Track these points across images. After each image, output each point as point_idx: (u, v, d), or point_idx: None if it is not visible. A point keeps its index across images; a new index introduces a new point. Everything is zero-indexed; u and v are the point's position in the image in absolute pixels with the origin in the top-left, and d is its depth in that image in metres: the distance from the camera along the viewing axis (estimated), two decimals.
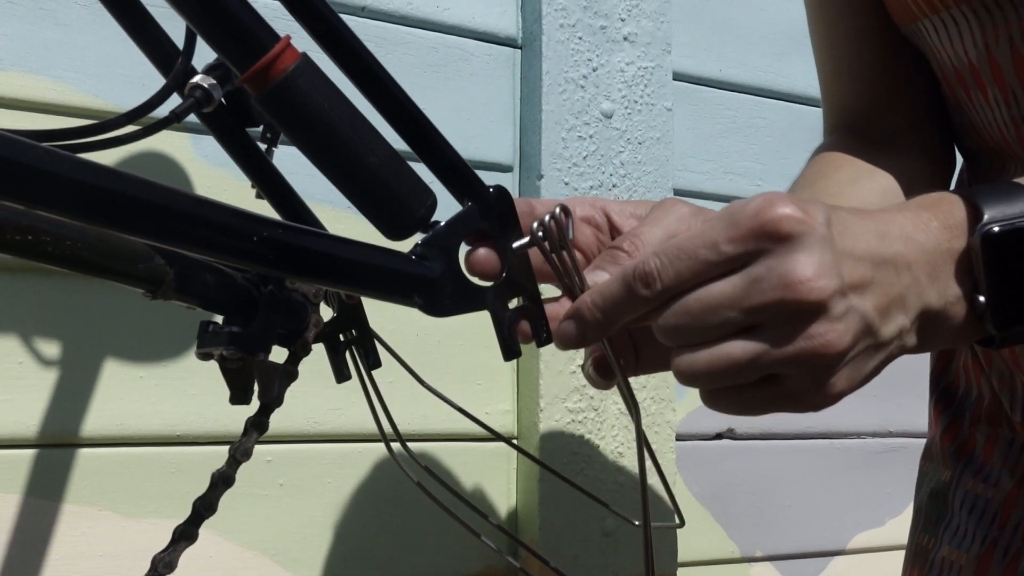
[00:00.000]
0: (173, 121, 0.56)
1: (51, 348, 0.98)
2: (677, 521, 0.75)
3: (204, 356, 0.61)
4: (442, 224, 0.57)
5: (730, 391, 0.55)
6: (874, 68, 0.87)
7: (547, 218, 0.56)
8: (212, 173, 1.05)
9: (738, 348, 0.52)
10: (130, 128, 0.57)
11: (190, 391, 1.03)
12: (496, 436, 0.71)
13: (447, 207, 0.59)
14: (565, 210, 0.57)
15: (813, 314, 0.51)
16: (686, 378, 0.54)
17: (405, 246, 0.57)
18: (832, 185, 0.81)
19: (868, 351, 0.54)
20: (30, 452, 0.96)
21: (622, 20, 1.26)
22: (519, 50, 1.24)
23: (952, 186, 0.90)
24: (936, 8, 0.76)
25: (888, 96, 0.87)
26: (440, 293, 0.56)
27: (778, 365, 0.52)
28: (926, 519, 0.91)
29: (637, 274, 0.53)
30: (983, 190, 0.58)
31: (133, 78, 1.02)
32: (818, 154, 0.87)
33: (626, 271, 0.54)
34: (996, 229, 0.55)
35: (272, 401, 0.63)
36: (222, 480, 0.64)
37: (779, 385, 0.54)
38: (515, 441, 1.19)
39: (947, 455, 0.90)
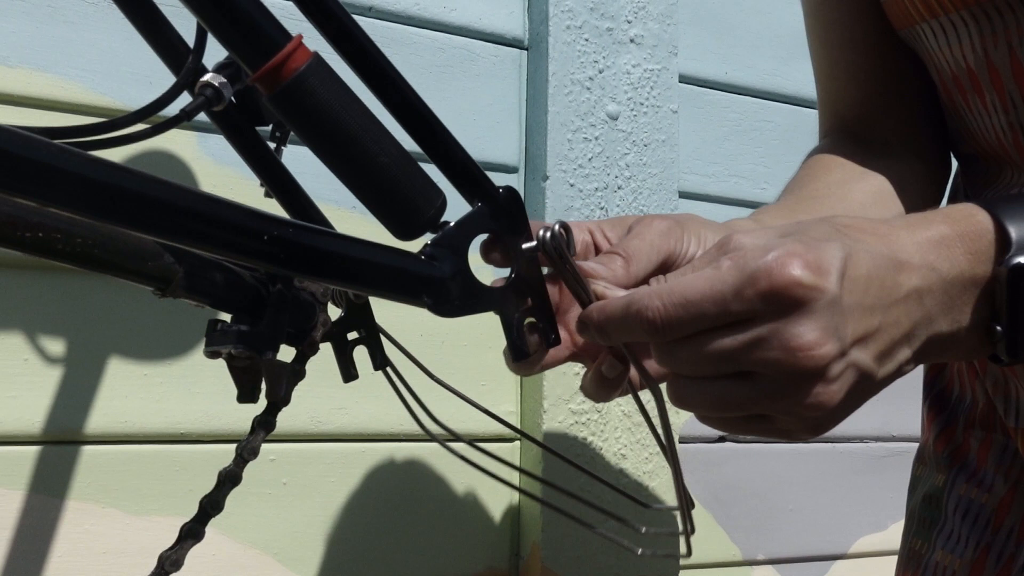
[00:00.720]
0: (184, 119, 0.56)
1: (56, 345, 0.98)
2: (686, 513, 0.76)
3: (212, 354, 0.61)
4: (452, 224, 0.57)
5: (721, 419, 0.56)
6: (869, 73, 0.88)
7: (547, 234, 0.57)
8: (218, 171, 1.05)
9: (733, 391, 0.53)
10: (140, 126, 0.57)
11: (194, 389, 1.03)
12: (507, 426, 0.71)
13: (457, 207, 0.59)
14: (565, 227, 0.59)
15: (810, 378, 0.51)
16: (678, 404, 0.56)
17: (415, 246, 0.57)
18: (822, 187, 0.82)
19: (863, 391, 0.55)
20: (34, 449, 0.96)
21: (628, 22, 1.26)
22: (525, 51, 1.24)
23: (947, 189, 0.90)
24: (935, 12, 0.76)
25: (883, 100, 0.88)
26: (449, 293, 0.56)
27: (770, 411, 0.53)
28: (919, 523, 0.91)
29: (641, 318, 0.53)
30: (1013, 210, 0.57)
31: (140, 76, 1.02)
32: (811, 157, 0.88)
33: (629, 305, 0.54)
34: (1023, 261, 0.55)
35: (280, 400, 0.63)
36: (229, 479, 0.64)
37: (770, 422, 0.55)
38: (519, 441, 1.19)
39: (940, 460, 0.90)
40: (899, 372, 0.56)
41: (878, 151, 0.85)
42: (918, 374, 0.96)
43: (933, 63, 0.81)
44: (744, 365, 0.52)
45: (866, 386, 0.54)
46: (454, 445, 0.69)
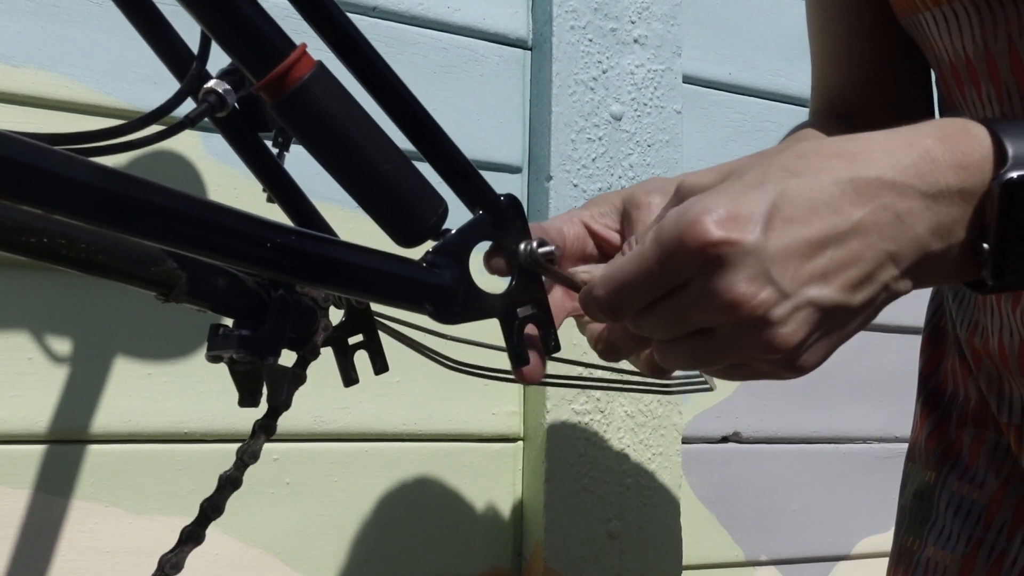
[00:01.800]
0: (187, 126, 0.57)
1: (60, 345, 0.98)
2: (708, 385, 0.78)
3: (214, 359, 0.61)
4: (453, 232, 0.57)
5: (708, 372, 0.57)
6: (862, 59, 0.90)
7: (526, 248, 0.60)
8: (223, 172, 1.05)
9: (699, 348, 0.54)
10: (144, 132, 0.57)
11: (198, 389, 1.03)
12: (503, 377, 0.69)
13: (459, 215, 0.59)
14: (541, 242, 0.60)
15: (756, 326, 0.51)
16: (664, 366, 0.57)
17: (416, 253, 0.57)
18: None
19: (839, 323, 0.54)
20: (38, 448, 0.96)
21: (632, 23, 1.26)
22: (529, 52, 1.24)
23: None
24: (939, 1, 0.77)
25: (872, 86, 0.90)
26: (450, 301, 0.56)
27: (740, 359, 0.54)
28: (911, 520, 0.92)
29: (595, 305, 0.55)
30: (1011, 127, 0.54)
31: (145, 76, 1.02)
32: (794, 128, 0.90)
33: (587, 294, 0.56)
34: (1016, 177, 0.52)
35: (281, 405, 0.63)
36: (229, 482, 0.64)
37: (750, 367, 0.55)
38: (521, 442, 1.19)
39: (931, 457, 0.90)
40: (889, 292, 0.54)
41: (860, 131, 0.87)
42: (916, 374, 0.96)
43: (933, 54, 0.82)
44: (696, 324, 0.53)
45: (842, 316, 0.53)
46: (463, 365, 0.73)
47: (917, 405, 0.95)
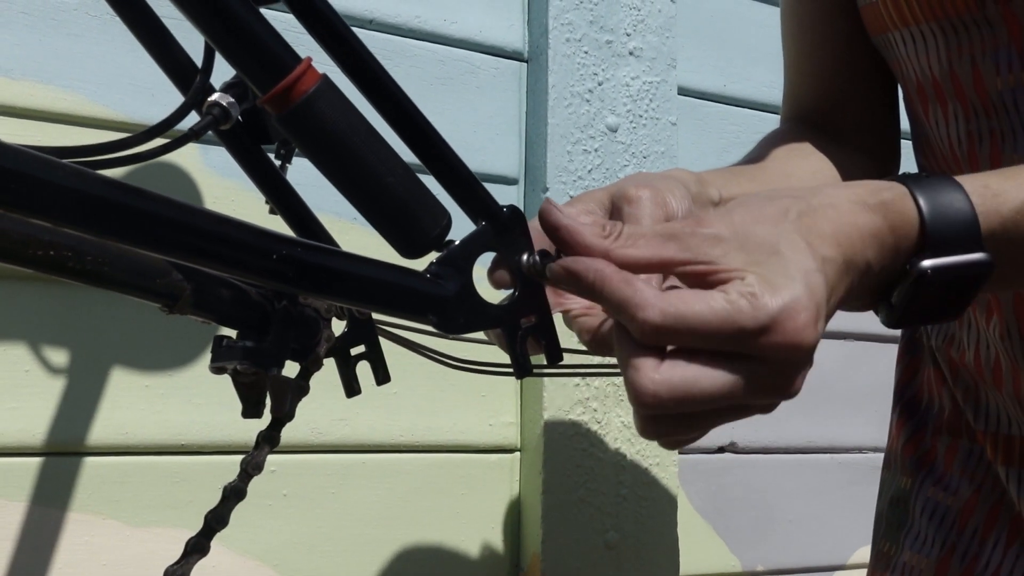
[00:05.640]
0: (192, 139, 0.57)
1: (57, 356, 0.98)
2: None
3: (218, 370, 0.61)
4: (456, 243, 0.57)
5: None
6: (834, 71, 0.92)
7: (530, 259, 0.59)
8: (221, 184, 1.05)
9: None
10: (149, 145, 0.57)
11: (195, 400, 1.03)
12: (506, 372, 0.68)
13: (461, 226, 0.60)
14: (544, 253, 0.59)
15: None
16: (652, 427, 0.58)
17: (420, 264, 0.57)
18: (768, 160, 0.86)
19: None
20: (35, 460, 0.96)
21: (628, 35, 1.26)
22: (525, 64, 1.24)
23: None
24: (907, 21, 0.79)
25: (843, 97, 0.92)
26: (454, 311, 0.56)
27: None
28: (887, 526, 0.94)
29: (635, 323, 0.53)
30: (938, 206, 0.58)
31: (144, 89, 1.02)
32: (768, 134, 0.92)
33: (627, 301, 0.53)
34: (929, 272, 0.57)
35: (284, 416, 0.63)
36: (234, 494, 0.64)
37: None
38: (518, 453, 1.19)
39: (907, 464, 0.93)
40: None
41: (830, 139, 0.89)
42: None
43: (901, 71, 0.85)
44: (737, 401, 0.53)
45: None
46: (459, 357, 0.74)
47: (893, 414, 0.97)
